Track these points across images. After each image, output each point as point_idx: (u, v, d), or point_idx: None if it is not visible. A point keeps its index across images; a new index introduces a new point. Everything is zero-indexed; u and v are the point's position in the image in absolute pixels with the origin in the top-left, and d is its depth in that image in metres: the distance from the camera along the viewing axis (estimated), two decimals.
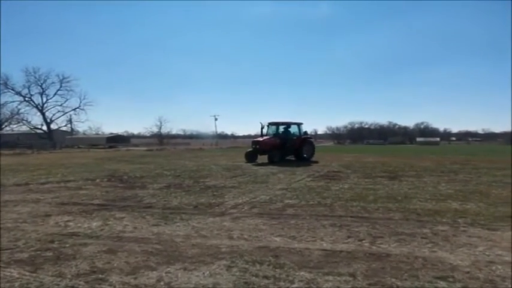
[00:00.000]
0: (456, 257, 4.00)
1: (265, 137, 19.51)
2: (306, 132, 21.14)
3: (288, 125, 20.34)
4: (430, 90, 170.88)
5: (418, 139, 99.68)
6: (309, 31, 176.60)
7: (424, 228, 5.22)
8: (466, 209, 6.61)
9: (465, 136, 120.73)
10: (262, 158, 19.03)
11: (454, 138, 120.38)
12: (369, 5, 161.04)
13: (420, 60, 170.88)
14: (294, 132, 20.32)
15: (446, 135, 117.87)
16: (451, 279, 3.36)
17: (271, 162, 17.97)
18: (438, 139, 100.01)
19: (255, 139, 20.00)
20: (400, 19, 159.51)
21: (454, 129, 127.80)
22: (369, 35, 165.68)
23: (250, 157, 19.39)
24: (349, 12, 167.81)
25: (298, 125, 20.65)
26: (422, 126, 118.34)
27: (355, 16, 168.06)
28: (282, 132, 20.11)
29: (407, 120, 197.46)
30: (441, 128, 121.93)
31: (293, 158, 19.94)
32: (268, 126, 20.30)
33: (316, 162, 19.11)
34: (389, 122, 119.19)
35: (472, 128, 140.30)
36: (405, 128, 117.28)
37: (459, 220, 5.74)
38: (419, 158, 23.76)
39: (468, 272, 3.54)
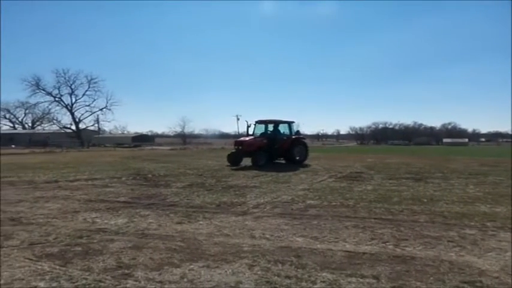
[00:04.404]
0: (484, 261, 3.87)
1: (250, 137, 17.12)
2: (298, 132, 19.33)
3: (277, 123, 17.83)
4: (458, 90, 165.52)
5: (445, 140, 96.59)
6: (336, 29, 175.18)
7: (451, 232, 5.08)
8: (496, 213, 6.38)
9: (495, 137, 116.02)
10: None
11: (483, 139, 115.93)
12: (396, 2, 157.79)
13: (447, 59, 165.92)
14: (284, 132, 18.04)
15: (475, 136, 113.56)
16: (478, 284, 3.26)
17: (255, 165, 15.54)
18: (466, 140, 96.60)
19: (238, 139, 17.66)
20: (426, 17, 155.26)
21: (483, 130, 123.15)
22: (396, 33, 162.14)
23: (233, 160, 16.87)
24: (376, 10, 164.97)
25: (289, 123, 18.36)
26: (449, 127, 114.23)
27: (381, 14, 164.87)
28: (271, 131, 17.80)
29: (434, 120, 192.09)
30: (470, 129, 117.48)
31: (283, 161, 17.67)
32: (255, 124, 17.98)
33: (307, 165, 16.73)
34: (415, 122, 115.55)
35: (502, 128, 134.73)
36: (431, 129, 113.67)
37: (488, 224, 5.54)
38: (446, 159, 23.05)
39: (497, 277, 3.42)
